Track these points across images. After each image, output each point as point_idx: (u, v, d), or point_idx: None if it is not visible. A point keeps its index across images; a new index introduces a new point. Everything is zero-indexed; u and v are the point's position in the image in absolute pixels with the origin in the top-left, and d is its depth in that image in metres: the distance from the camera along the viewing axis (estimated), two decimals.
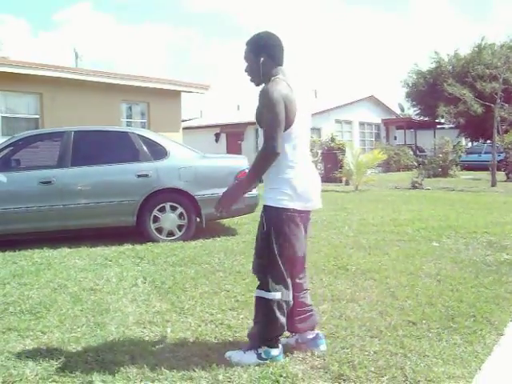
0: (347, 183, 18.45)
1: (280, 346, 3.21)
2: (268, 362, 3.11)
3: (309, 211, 3.29)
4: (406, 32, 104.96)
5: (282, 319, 3.14)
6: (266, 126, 3.02)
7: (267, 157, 3.01)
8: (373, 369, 3.03)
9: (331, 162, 21.18)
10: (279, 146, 2.99)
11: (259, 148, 3.08)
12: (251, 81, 3.29)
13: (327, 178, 20.56)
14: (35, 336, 3.69)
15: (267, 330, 3.15)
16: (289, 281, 3.16)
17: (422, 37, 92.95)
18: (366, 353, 3.26)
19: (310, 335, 3.34)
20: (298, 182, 3.11)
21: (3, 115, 14.04)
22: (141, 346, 3.46)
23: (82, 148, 7.41)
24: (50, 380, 2.98)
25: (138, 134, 7.71)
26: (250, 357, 3.14)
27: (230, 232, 8.05)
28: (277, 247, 3.09)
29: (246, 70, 3.28)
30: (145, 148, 7.49)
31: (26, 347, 3.48)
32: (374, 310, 4.11)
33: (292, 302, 3.19)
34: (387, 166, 27.72)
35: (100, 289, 4.89)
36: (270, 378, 2.94)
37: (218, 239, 7.42)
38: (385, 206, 11.16)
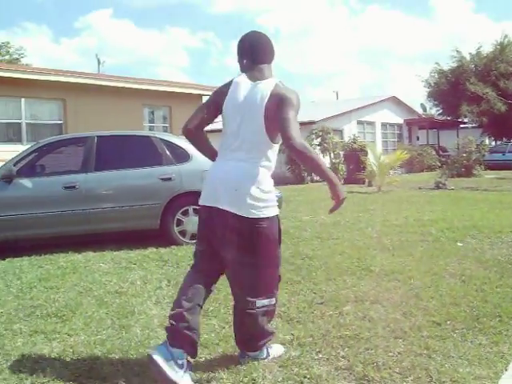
0: (370, 184, 18.32)
1: None
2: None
3: (220, 210, 3.00)
4: (427, 31, 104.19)
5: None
6: None
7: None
8: (397, 370, 3.02)
9: (353, 164, 21.09)
10: (188, 123, 3.27)
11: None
12: None
13: (350, 179, 20.47)
14: (61, 338, 3.74)
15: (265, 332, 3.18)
16: None
17: (443, 36, 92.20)
18: (391, 354, 3.25)
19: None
20: (208, 175, 3.19)
21: (28, 121, 14.28)
22: None
23: (105, 153, 7.46)
24: (76, 382, 3.03)
25: (161, 138, 7.76)
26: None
27: None
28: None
29: None
30: (167, 152, 7.53)
31: (53, 349, 3.53)
32: (397, 310, 4.09)
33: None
34: (410, 167, 27.50)
35: (125, 292, 4.93)
36: (294, 379, 2.94)
37: None
38: (408, 207, 11.07)
